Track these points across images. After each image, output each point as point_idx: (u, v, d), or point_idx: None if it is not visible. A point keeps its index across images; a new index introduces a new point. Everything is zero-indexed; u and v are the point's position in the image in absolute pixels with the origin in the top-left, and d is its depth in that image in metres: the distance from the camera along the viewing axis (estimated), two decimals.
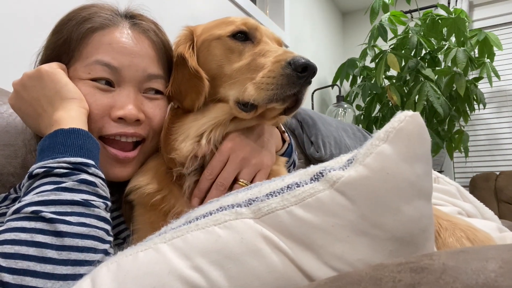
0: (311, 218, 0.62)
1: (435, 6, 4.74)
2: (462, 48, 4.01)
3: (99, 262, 0.81)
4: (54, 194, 0.82)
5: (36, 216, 0.78)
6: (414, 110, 3.57)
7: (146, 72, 1.12)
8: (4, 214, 1.05)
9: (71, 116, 0.97)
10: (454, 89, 4.20)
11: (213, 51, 1.14)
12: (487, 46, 4.22)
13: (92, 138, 0.96)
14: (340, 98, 4.92)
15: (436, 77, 4.23)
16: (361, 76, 4.94)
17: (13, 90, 1.07)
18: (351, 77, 5.01)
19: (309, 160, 2.69)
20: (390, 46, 4.39)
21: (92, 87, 1.07)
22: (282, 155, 1.32)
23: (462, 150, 4.46)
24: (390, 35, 4.41)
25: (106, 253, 0.84)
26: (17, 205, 0.81)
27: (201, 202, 1.09)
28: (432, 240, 0.65)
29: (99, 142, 1.02)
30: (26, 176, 0.88)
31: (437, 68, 4.40)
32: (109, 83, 1.09)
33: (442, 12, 4.34)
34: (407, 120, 0.62)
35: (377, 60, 4.38)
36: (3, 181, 1.27)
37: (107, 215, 0.89)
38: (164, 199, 1.10)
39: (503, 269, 0.41)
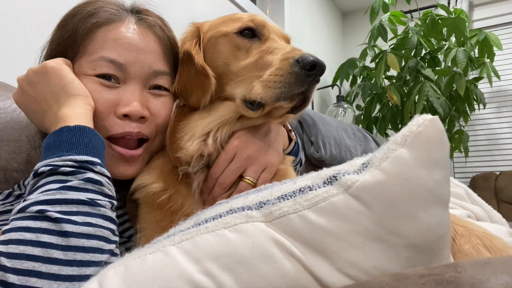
0: (324, 223, 0.60)
1: (435, 6, 4.74)
2: (462, 48, 4.01)
3: (105, 262, 0.80)
4: (60, 193, 0.81)
5: (41, 216, 0.77)
6: (414, 110, 3.60)
7: (151, 68, 1.11)
8: (8, 211, 1.04)
9: (77, 113, 0.96)
10: (454, 89, 4.20)
11: (220, 48, 1.13)
12: (487, 46, 4.22)
13: (97, 135, 0.95)
14: (340, 98, 4.92)
15: (436, 77, 4.23)
16: (361, 76, 4.94)
17: (18, 85, 1.06)
18: (351, 77, 5.00)
19: (309, 160, 2.68)
20: (390, 46, 4.38)
21: (97, 84, 1.06)
22: (289, 154, 1.31)
23: (462, 150, 4.46)
24: (390, 35, 4.40)
25: (112, 253, 0.83)
26: (22, 204, 0.80)
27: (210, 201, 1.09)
28: (449, 247, 0.64)
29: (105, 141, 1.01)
30: (31, 174, 0.86)
31: (437, 68, 4.40)
32: (114, 79, 1.08)
33: (442, 12, 4.34)
34: (426, 124, 0.61)
35: (377, 60, 4.38)
36: (7, 177, 1.26)
37: (113, 215, 0.88)
38: (171, 198, 1.09)
39: None
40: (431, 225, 0.59)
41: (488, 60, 4.28)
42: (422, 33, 4.30)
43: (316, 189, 0.64)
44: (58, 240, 0.76)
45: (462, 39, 4.08)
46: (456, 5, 5.12)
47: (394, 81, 4.50)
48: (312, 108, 4.83)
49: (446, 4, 5.02)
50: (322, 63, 1.00)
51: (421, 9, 4.90)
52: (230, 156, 1.09)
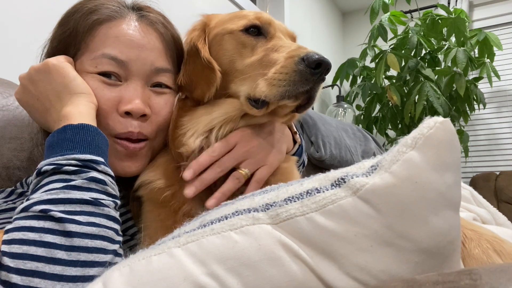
0: (332, 226, 0.60)
1: (435, 6, 4.74)
2: (462, 48, 4.00)
3: (109, 263, 0.80)
4: (63, 192, 0.81)
5: (44, 215, 0.77)
6: (414, 110, 3.60)
7: (153, 65, 1.11)
8: (10, 209, 1.04)
9: (80, 111, 0.95)
10: (454, 89, 4.20)
11: (225, 46, 1.12)
12: (487, 46, 4.21)
13: (101, 134, 0.95)
14: (340, 98, 4.92)
15: (436, 77, 4.22)
16: (361, 76, 4.93)
17: (19, 84, 1.06)
18: (351, 77, 5.00)
19: (309, 160, 2.68)
20: (390, 46, 4.38)
21: (99, 82, 1.05)
22: (292, 155, 1.31)
23: (462, 150, 4.46)
24: (390, 35, 4.40)
25: (116, 253, 0.83)
26: (25, 203, 0.79)
27: (194, 175, 1.06)
28: (459, 252, 0.63)
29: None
30: (35, 173, 0.86)
31: (437, 68, 4.40)
32: (116, 76, 1.07)
33: (442, 12, 4.33)
34: (437, 127, 0.60)
35: (377, 60, 4.38)
36: (10, 175, 1.26)
37: (117, 214, 0.88)
38: (174, 195, 1.09)
39: None
40: (442, 229, 0.58)
41: (488, 60, 4.28)
42: (422, 33, 4.30)
43: (323, 192, 0.64)
44: (61, 240, 0.76)
45: (462, 39, 4.08)
46: (456, 5, 5.12)
47: (394, 81, 4.49)
48: (312, 108, 4.83)
49: (446, 4, 5.01)
50: (327, 61, 0.99)
51: (421, 9, 4.90)
52: (229, 145, 1.08)
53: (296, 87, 0.98)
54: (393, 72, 4.54)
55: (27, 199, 0.81)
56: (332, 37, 5.84)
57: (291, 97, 1.00)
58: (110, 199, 0.87)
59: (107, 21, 1.08)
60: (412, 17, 4.91)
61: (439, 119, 0.61)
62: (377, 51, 4.59)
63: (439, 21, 4.17)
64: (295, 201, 0.65)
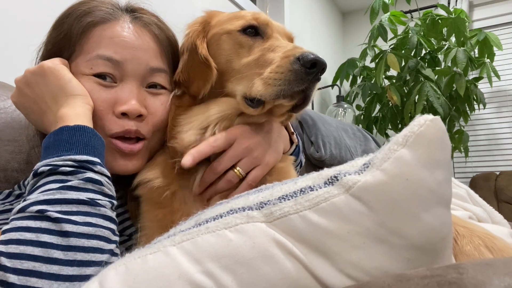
0: (325, 224, 0.60)
1: (435, 6, 4.74)
2: (462, 48, 4.00)
3: (105, 262, 0.80)
4: (60, 193, 0.81)
5: (41, 216, 0.77)
6: (414, 110, 3.60)
7: (148, 65, 1.11)
8: (8, 210, 1.04)
9: (76, 112, 0.96)
10: (454, 89, 4.19)
11: (223, 45, 1.13)
12: (487, 46, 4.21)
13: (97, 135, 0.95)
14: (340, 98, 4.91)
15: (436, 77, 4.22)
16: (361, 76, 4.93)
17: (15, 87, 1.06)
18: (351, 77, 5.00)
19: (309, 160, 2.68)
20: (390, 46, 4.38)
21: (95, 83, 1.05)
22: (290, 155, 1.31)
23: (462, 150, 4.46)
24: (390, 35, 4.40)
25: (112, 253, 0.83)
26: (22, 204, 0.80)
27: (194, 162, 1.06)
28: (451, 248, 0.64)
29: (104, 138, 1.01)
30: (31, 174, 0.86)
31: (437, 68, 4.40)
32: (111, 78, 1.07)
33: (442, 12, 4.33)
34: (427, 125, 0.60)
35: (377, 60, 4.38)
36: (8, 177, 1.26)
37: (113, 214, 0.88)
38: (173, 194, 1.09)
39: None
40: (433, 226, 0.59)
41: (488, 60, 4.27)
42: (422, 33, 4.30)
43: (317, 190, 0.64)
44: (58, 240, 0.76)
45: (462, 39, 4.08)
46: (456, 5, 5.12)
47: (394, 81, 4.49)
48: (312, 108, 4.83)
49: (446, 4, 5.01)
50: (322, 61, 0.99)
51: (421, 9, 4.90)
52: (231, 139, 1.09)
53: (291, 86, 0.99)
54: (393, 72, 4.54)
55: (24, 200, 0.81)
56: (332, 37, 5.85)
57: (287, 97, 1.01)
58: (107, 199, 0.88)
59: (101, 23, 1.09)
60: (412, 17, 4.91)
61: (429, 117, 0.61)
62: (377, 51, 4.59)
63: (439, 21, 4.17)
64: (289, 199, 0.65)
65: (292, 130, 1.34)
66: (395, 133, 0.63)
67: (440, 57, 4.46)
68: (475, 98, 4.32)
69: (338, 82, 5.04)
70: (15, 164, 1.28)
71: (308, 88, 1.01)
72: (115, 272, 0.66)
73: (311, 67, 0.98)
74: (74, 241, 0.77)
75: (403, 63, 4.31)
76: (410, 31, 4.28)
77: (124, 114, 1.06)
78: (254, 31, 1.12)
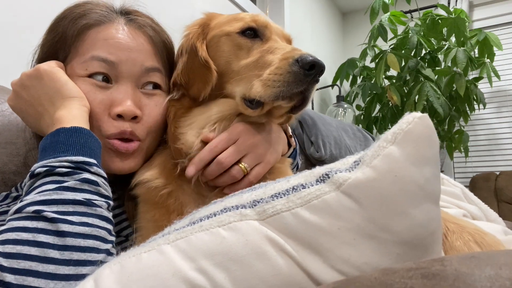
0: (317, 221, 0.61)
1: (435, 6, 4.73)
2: (462, 48, 4.00)
3: (101, 262, 0.81)
4: (56, 193, 0.82)
5: (38, 216, 0.78)
6: (414, 110, 3.60)
7: (143, 66, 1.12)
8: (5, 212, 1.04)
9: (73, 114, 0.96)
10: (454, 89, 4.19)
11: (222, 47, 1.14)
12: (487, 46, 4.21)
13: (93, 136, 0.96)
14: (340, 98, 4.91)
15: (436, 77, 4.22)
16: (361, 76, 4.93)
17: (12, 90, 1.07)
18: (351, 77, 4.99)
19: (309, 160, 2.68)
20: (390, 46, 4.38)
21: (90, 85, 1.06)
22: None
23: (462, 150, 4.46)
24: (390, 35, 4.40)
25: (108, 253, 0.84)
26: (18, 205, 0.80)
27: (197, 172, 1.08)
28: (440, 243, 0.64)
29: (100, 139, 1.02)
30: (28, 175, 0.87)
31: (437, 68, 4.39)
32: (107, 79, 1.08)
33: (442, 12, 4.33)
34: (415, 122, 0.61)
35: (377, 60, 4.38)
36: (5, 179, 1.26)
37: (109, 215, 0.89)
38: (170, 194, 1.10)
39: None
40: (422, 221, 0.59)
41: (488, 60, 4.27)
42: (422, 33, 4.29)
43: (309, 187, 0.65)
44: (54, 240, 0.77)
45: (462, 39, 4.08)
46: (456, 5, 5.12)
47: (394, 81, 4.49)
48: (312, 108, 4.83)
49: (446, 4, 5.01)
50: (321, 63, 1.00)
51: (421, 9, 4.90)
52: (233, 137, 1.09)
53: (290, 88, 0.99)
54: (393, 72, 4.54)
55: (21, 201, 0.82)
56: (332, 37, 5.85)
57: (286, 98, 1.02)
58: (103, 199, 0.88)
59: (96, 26, 1.09)
60: (412, 17, 4.91)
61: (417, 114, 0.62)
62: (377, 51, 4.59)
63: (439, 21, 4.16)
64: (281, 197, 0.66)
65: (290, 133, 1.35)
66: None
67: (440, 57, 4.46)
68: (475, 98, 4.32)
69: (338, 82, 5.03)
70: (12, 167, 1.29)
71: (306, 89, 1.02)
72: (110, 271, 0.67)
73: (309, 69, 0.99)
74: (70, 241, 0.78)
75: (403, 63, 4.31)
76: (410, 31, 4.28)
77: (119, 116, 1.06)
78: (253, 33, 1.13)
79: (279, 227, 0.63)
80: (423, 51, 4.48)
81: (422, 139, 0.61)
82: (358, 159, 0.65)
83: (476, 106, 4.42)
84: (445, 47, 4.30)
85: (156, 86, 1.16)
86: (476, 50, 4.33)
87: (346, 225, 0.59)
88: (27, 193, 0.84)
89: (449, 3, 5.18)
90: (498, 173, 4.68)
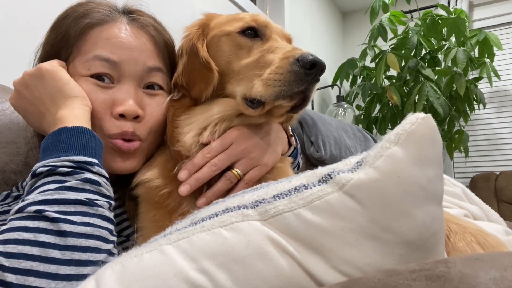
0: (319, 221, 0.61)
1: (435, 6, 4.73)
2: (462, 48, 4.00)
3: (102, 262, 0.80)
4: (58, 193, 0.82)
5: (39, 216, 0.78)
6: (414, 110, 3.61)
7: (145, 65, 1.12)
8: (6, 212, 1.04)
9: (75, 114, 0.96)
10: (454, 89, 4.19)
11: (222, 47, 1.13)
12: (487, 46, 4.21)
13: (95, 136, 0.95)
14: (340, 98, 4.91)
15: (436, 77, 4.22)
16: (361, 76, 4.93)
17: (14, 89, 1.07)
18: (351, 77, 4.99)
19: (309, 160, 2.68)
20: (390, 46, 4.38)
21: (93, 84, 1.06)
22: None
23: (462, 150, 4.46)
24: (390, 35, 4.40)
25: (109, 253, 0.84)
26: (20, 204, 0.80)
27: (189, 177, 1.07)
28: (443, 244, 0.64)
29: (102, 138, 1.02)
30: (29, 174, 0.87)
31: (437, 68, 4.39)
32: (109, 78, 1.08)
33: (442, 12, 4.33)
34: (418, 123, 0.61)
35: (377, 60, 4.37)
36: (6, 179, 1.26)
37: (111, 215, 0.89)
38: (170, 194, 1.10)
39: None
40: (425, 222, 0.59)
41: (488, 60, 4.27)
42: (422, 33, 4.29)
43: (311, 188, 0.65)
44: (56, 240, 0.76)
45: (462, 39, 4.08)
46: (456, 5, 5.12)
47: (394, 81, 4.49)
48: (312, 108, 4.83)
49: (446, 4, 5.01)
50: (321, 62, 1.00)
51: (421, 9, 4.89)
52: (226, 143, 1.09)
53: (291, 87, 0.99)
54: (393, 72, 4.54)
55: (22, 200, 0.82)
56: (332, 37, 5.85)
57: (286, 97, 1.01)
58: (104, 199, 0.88)
59: (99, 25, 1.09)
60: (412, 17, 4.91)
61: (420, 115, 0.62)
62: (377, 51, 4.59)
63: (439, 21, 4.16)
64: (283, 198, 0.66)
65: (291, 133, 1.35)
66: None
67: (440, 57, 4.46)
68: (475, 98, 4.32)
69: (338, 82, 5.03)
70: (13, 166, 1.28)
71: (307, 88, 1.02)
72: (111, 271, 0.67)
73: (310, 68, 0.98)
74: (71, 241, 0.78)
75: (403, 63, 4.31)
76: (410, 31, 4.28)
77: (121, 115, 1.06)
78: (253, 32, 1.12)
79: (281, 228, 0.63)
80: (423, 51, 4.48)
81: (425, 139, 0.61)
82: (360, 160, 0.64)
83: (476, 106, 4.42)
84: (445, 47, 4.30)
85: (158, 86, 1.16)
86: (476, 50, 4.33)
87: (348, 226, 0.59)
88: (29, 193, 0.83)
89: (449, 3, 5.17)
90: (498, 173, 4.67)
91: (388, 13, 4.45)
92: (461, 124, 4.50)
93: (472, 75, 4.84)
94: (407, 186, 0.59)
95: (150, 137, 1.14)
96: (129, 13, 1.16)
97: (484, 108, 4.54)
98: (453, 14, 4.13)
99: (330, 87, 5.27)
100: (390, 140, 0.62)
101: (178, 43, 1.23)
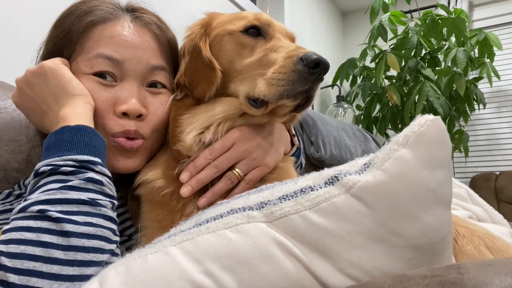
0: (326, 224, 0.60)
1: (435, 6, 4.73)
2: (462, 48, 4.00)
3: (106, 262, 0.80)
4: (61, 192, 0.81)
5: (42, 215, 0.77)
6: (414, 110, 3.60)
7: (149, 64, 1.11)
8: (8, 210, 1.04)
9: (77, 112, 0.96)
10: (454, 89, 4.20)
11: (225, 46, 1.13)
12: (487, 46, 4.21)
13: (98, 135, 0.95)
14: (340, 98, 4.91)
15: (436, 77, 4.22)
16: (361, 76, 4.93)
17: (16, 87, 1.06)
18: (351, 77, 4.99)
19: (309, 160, 2.68)
20: (390, 46, 4.38)
21: (95, 83, 1.05)
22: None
23: (462, 150, 4.46)
24: (390, 35, 4.40)
25: (112, 253, 0.83)
26: (23, 204, 0.80)
27: (191, 178, 1.07)
28: (451, 248, 0.64)
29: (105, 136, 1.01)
30: (32, 174, 0.86)
31: (437, 68, 4.39)
32: (112, 77, 1.08)
33: (442, 12, 4.33)
34: (428, 125, 0.61)
35: (377, 60, 4.37)
36: (8, 177, 1.26)
37: (114, 214, 0.88)
38: (173, 193, 1.09)
39: None
40: (433, 226, 0.59)
41: (488, 60, 4.27)
42: (422, 33, 4.29)
43: (317, 190, 0.64)
44: (58, 240, 0.76)
45: (462, 39, 4.07)
46: (456, 5, 5.11)
47: (394, 81, 4.49)
48: (312, 108, 4.83)
49: (446, 4, 5.01)
50: (325, 61, 0.99)
51: (421, 9, 4.89)
52: (228, 144, 1.08)
53: (294, 86, 0.98)
54: (393, 72, 4.53)
55: (25, 200, 0.81)
56: (332, 37, 5.85)
57: (290, 97, 1.00)
58: (107, 199, 0.88)
59: (102, 23, 1.09)
60: (412, 17, 4.91)
61: (430, 117, 0.62)
62: (377, 51, 4.59)
63: (439, 21, 4.16)
64: (289, 199, 0.65)
65: (294, 132, 1.34)
66: (395, 133, 0.63)
67: (440, 57, 4.46)
68: (475, 98, 4.32)
69: (338, 82, 5.03)
70: (15, 164, 1.28)
71: (311, 88, 1.01)
72: (115, 272, 0.66)
73: (314, 67, 0.98)
74: (74, 241, 0.77)
75: (403, 63, 4.31)
76: (410, 31, 4.28)
77: (124, 114, 1.06)
78: (256, 31, 1.12)
79: (287, 230, 0.63)
80: (423, 51, 4.48)
81: (434, 142, 0.60)
82: (368, 162, 0.64)
83: (476, 106, 4.42)
84: (445, 47, 4.30)
85: (161, 84, 1.15)
86: (476, 50, 4.33)
87: (355, 229, 0.59)
88: (31, 192, 0.83)
89: (449, 3, 5.17)
90: (498, 173, 4.67)
91: (388, 13, 4.45)
92: (461, 124, 4.50)
93: (472, 75, 4.85)
94: (416, 189, 0.58)
95: (153, 136, 1.13)
96: (132, 11, 1.16)
97: (484, 108, 4.55)
98: (453, 14, 4.13)
99: (330, 87, 5.27)
100: (398, 142, 0.61)
101: (179, 43, 1.23)
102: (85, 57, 1.06)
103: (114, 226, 0.87)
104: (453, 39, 4.19)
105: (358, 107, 5.03)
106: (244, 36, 1.11)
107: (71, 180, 0.84)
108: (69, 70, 1.04)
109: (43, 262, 0.73)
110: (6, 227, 0.77)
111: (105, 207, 0.86)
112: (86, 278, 0.75)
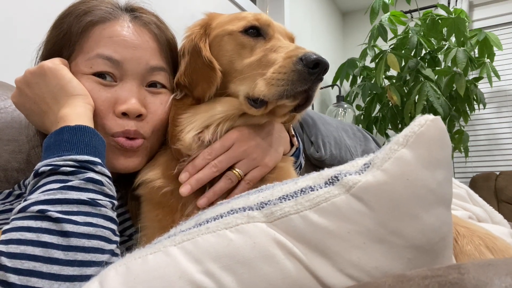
0: (326, 224, 0.60)
1: (435, 6, 4.73)
2: (462, 48, 4.00)
3: (106, 262, 0.80)
4: (61, 193, 0.81)
5: (42, 216, 0.77)
6: (414, 110, 3.60)
7: (148, 64, 1.11)
8: (8, 210, 1.04)
9: (77, 112, 0.96)
10: (454, 89, 4.19)
11: (225, 47, 1.13)
12: (487, 46, 4.21)
13: (98, 135, 0.95)
14: (340, 98, 4.91)
15: (436, 77, 4.22)
16: (361, 76, 4.93)
17: (16, 87, 1.06)
18: (351, 77, 4.99)
19: (309, 160, 2.68)
20: (390, 46, 4.37)
21: (95, 83, 1.05)
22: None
23: (462, 150, 4.46)
24: (390, 35, 4.39)
25: (112, 253, 0.83)
26: (23, 204, 0.80)
27: (191, 176, 1.07)
28: (451, 248, 0.64)
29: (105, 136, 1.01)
30: (32, 174, 0.86)
31: (437, 68, 4.39)
32: (111, 77, 1.07)
33: (442, 12, 4.33)
34: (428, 125, 0.61)
35: (377, 60, 4.37)
36: (8, 177, 1.26)
37: (114, 215, 0.88)
38: (173, 193, 1.09)
39: None
40: (433, 226, 0.59)
41: (488, 60, 4.27)
42: (422, 33, 4.29)
43: (317, 190, 0.64)
44: (58, 240, 0.76)
45: (462, 39, 4.07)
46: (456, 5, 5.11)
47: (394, 81, 4.49)
48: (312, 108, 4.83)
49: (446, 4, 5.01)
50: (325, 61, 0.99)
51: (421, 9, 4.89)
52: (227, 144, 1.08)
53: (294, 86, 0.98)
54: (393, 72, 4.53)
55: (25, 200, 0.81)
56: (332, 37, 5.85)
57: (290, 97, 1.01)
58: (107, 199, 0.88)
59: (101, 23, 1.09)
60: (412, 17, 4.91)
61: (430, 117, 0.62)
62: (377, 51, 4.59)
63: (439, 21, 4.16)
64: (289, 200, 0.65)
65: (293, 133, 1.34)
66: (395, 133, 0.63)
67: (440, 57, 4.45)
68: (475, 98, 4.32)
69: (338, 82, 5.03)
70: (15, 164, 1.28)
71: (310, 88, 1.01)
72: (115, 272, 0.66)
73: (313, 67, 0.98)
74: (74, 241, 0.77)
75: (403, 63, 4.31)
76: (410, 31, 4.28)
77: (124, 114, 1.06)
78: (256, 31, 1.12)
79: (287, 230, 0.63)
80: (423, 51, 4.48)
81: (434, 141, 0.60)
82: (368, 162, 0.64)
83: (476, 106, 4.42)
84: (445, 47, 4.30)
85: (160, 84, 1.15)
86: (476, 50, 4.33)
87: (356, 229, 0.59)
88: (31, 192, 0.83)
89: (449, 3, 5.17)
90: (498, 173, 4.67)
91: (388, 13, 4.45)
92: (461, 124, 4.50)
93: (472, 75, 4.85)
94: (416, 189, 0.58)
95: (153, 136, 1.13)
96: (132, 11, 1.16)
97: (484, 108, 4.55)
98: (453, 14, 4.13)
99: (330, 87, 5.27)
100: (398, 142, 0.61)
101: (179, 43, 1.23)
102: (85, 57, 1.06)
103: (114, 226, 0.87)
104: (453, 39, 4.19)
105: (358, 107, 5.03)
106: (243, 36, 1.11)
107: (71, 180, 0.84)
108: (68, 70, 1.04)
109: (43, 262, 0.73)
110: (6, 227, 0.77)
111: (105, 207, 0.86)
112: (86, 278, 0.75)
